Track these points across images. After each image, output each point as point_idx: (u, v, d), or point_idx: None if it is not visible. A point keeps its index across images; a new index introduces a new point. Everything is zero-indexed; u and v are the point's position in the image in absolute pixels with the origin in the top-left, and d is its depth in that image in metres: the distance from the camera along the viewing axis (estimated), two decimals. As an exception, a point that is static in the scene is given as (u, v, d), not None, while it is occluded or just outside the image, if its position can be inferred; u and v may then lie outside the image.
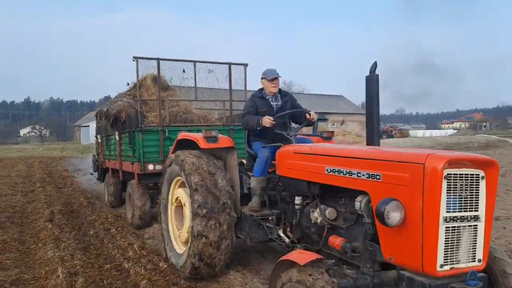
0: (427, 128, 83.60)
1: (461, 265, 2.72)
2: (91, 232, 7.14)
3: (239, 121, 8.02)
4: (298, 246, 4.02)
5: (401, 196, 2.77)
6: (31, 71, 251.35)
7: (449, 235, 2.67)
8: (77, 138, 68.30)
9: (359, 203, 3.15)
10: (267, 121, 4.62)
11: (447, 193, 2.64)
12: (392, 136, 50.13)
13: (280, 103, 5.10)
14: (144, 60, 7.47)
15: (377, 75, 3.76)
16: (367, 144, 3.86)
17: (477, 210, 2.77)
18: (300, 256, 2.86)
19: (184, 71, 8.06)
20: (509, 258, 3.09)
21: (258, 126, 4.68)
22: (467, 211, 2.73)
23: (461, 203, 2.71)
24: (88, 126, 55.90)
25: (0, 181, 14.44)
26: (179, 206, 5.05)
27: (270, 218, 4.47)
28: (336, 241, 3.40)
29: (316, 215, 3.73)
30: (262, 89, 5.13)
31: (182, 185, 4.97)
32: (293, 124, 5.19)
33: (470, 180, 2.73)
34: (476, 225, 2.77)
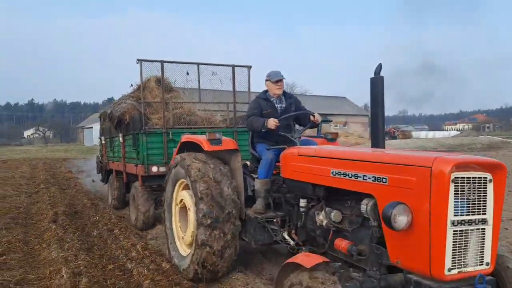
0: (430, 130, 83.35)
1: (469, 269, 2.71)
2: (95, 233, 7.18)
3: (243, 122, 8.04)
4: (303, 249, 4.01)
5: (408, 199, 2.75)
6: (35, 73, 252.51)
7: (457, 239, 2.65)
8: (81, 139, 68.52)
9: (365, 206, 3.13)
10: (272, 123, 4.62)
11: (454, 196, 2.63)
12: (394, 138, 50.05)
13: (284, 105, 5.09)
14: (148, 62, 7.50)
15: (382, 77, 3.74)
16: (372, 146, 3.85)
17: (485, 213, 2.75)
18: (307, 258, 2.86)
19: (187, 73, 8.10)
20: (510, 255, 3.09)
21: (263, 128, 4.67)
22: (474, 214, 2.71)
23: (469, 207, 2.69)
24: (92, 127, 56.07)
25: (4, 183, 14.54)
26: (183, 207, 5.05)
27: (274, 220, 4.45)
28: (342, 244, 3.38)
29: (321, 217, 3.72)
30: (266, 91, 5.13)
31: (186, 187, 4.96)
32: (297, 126, 5.19)
33: (478, 183, 2.72)
34: (484, 228, 2.76)
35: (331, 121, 7.40)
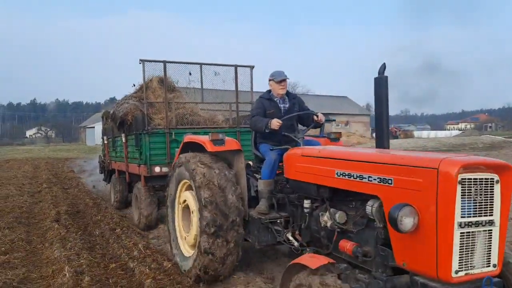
0: (432, 129, 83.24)
1: (476, 271, 2.69)
2: (97, 232, 7.21)
3: (245, 122, 8.03)
4: (307, 250, 3.99)
5: (414, 201, 2.73)
6: (37, 73, 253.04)
7: (464, 241, 2.64)
8: (83, 139, 68.67)
9: (370, 207, 3.11)
10: (275, 123, 4.60)
11: (461, 198, 2.60)
12: (396, 137, 50.00)
13: (288, 105, 5.08)
14: (151, 63, 7.51)
15: (386, 77, 3.71)
16: (377, 147, 3.82)
17: (492, 215, 2.73)
18: (312, 260, 2.84)
19: (190, 73, 8.09)
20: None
21: (267, 128, 4.65)
22: (481, 216, 2.69)
23: (476, 208, 2.67)
24: (94, 127, 56.20)
25: (7, 182, 14.58)
26: (187, 207, 5.02)
27: (278, 221, 4.43)
28: (346, 245, 3.36)
29: (325, 218, 3.71)
30: (269, 91, 5.11)
31: (189, 187, 4.94)
32: (300, 126, 5.17)
33: (485, 184, 2.69)
34: (491, 230, 2.74)
35: (334, 120, 7.35)
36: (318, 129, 5.28)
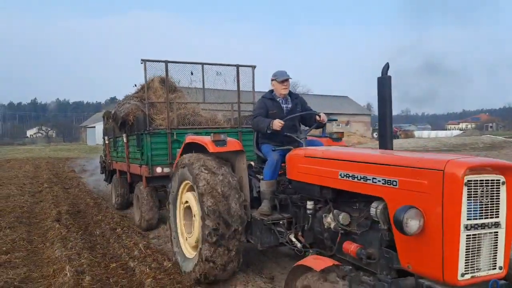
0: (432, 129, 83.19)
1: (482, 273, 2.66)
2: (98, 232, 7.24)
3: (247, 123, 8.02)
4: (311, 251, 3.97)
5: (419, 203, 2.71)
6: (38, 72, 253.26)
7: (470, 243, 2.61)
8: (83, 139, 68.72)
9: (374, 209, 3.08)
10: (277, 124, 4.58)
11: (467, 200, 2.58)
12: (396, 137, 49.97)
13: (290, 105, 5.05)
14: (152, 62, 7.50)
15: (390, 77, 3.69)
16: (380, 147, 3.79)
17: (498, 217, 2.70)
18: (316, 261, 2.81)
19: (192, 73, 8.07)
20: None
21: (268, 129, 4.63)
22: (487, 217, 2.66)
23: (482, 210, 2.65)
24: (94, 127, 56.25)
25: (8, 182, 14.61)
26: (188, 208, 4.98)
27: (281, 222, 4.40)
28: (350, 247, 3.33)
29: (329, 220, 3.68)
30: (272, 91, 5.08)
31: (191, 188, 4.90)
32: (302, 126, 5.14)
33: (491, 186, 2.67)
34: (497, 232, 2.71)
35: (336, 120, 7.36)
36: (320, 129, 5.25)
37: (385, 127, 3.74)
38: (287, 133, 4.70)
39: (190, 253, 4.97)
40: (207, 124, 8.00)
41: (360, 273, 3.00)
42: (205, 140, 4.78)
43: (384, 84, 3.68)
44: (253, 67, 8.16)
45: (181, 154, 5.23)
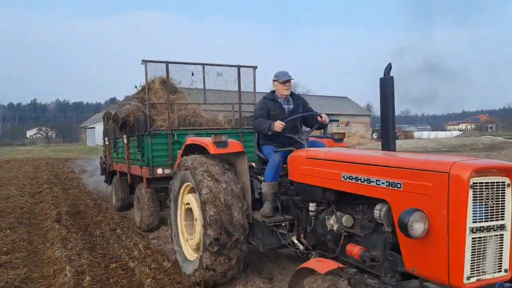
0: (432, 130, 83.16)
1: (488, 276, 2.64)
2: (98, 233, 7.25)
3: (248, 123, 8.00)
4: (313, 253, 3.94)
5: (424, 206, 2.69)
6: (38, 73, 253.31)
7: (475, 246, 2.59)
8: (83, 139, 68.70)
9: (378, 211, 3.06)
10: (278, 125, 4.55)
11: (473, 202, 2.56)
12: (396, 138, 49.84)
13: (292, 106, 5.02)
14: (153, 63, 7.49)
15: (392, 77, 3.65)
16: (383, 148, 3.77)
17: (503, 219, 2.68)
18: (321, 264, 2.79)
19: (193, 74, 8.05)
20: None
21: (270, 131, 4.60)
22: (493, 220, 2.64)
23: (487, 212, 2.63)
24: (94, 127, 56.21)
25: (8, 183, 14.60)
26: (189, 210, 4.95)
27: (283, 224, 4.36)
28: (354, 249, 3.31)
29: (332, 222, 3.65)
30: (273, 92, 5.04)
31: (193, 190, 4.86)
32: (304, 127, 5.12)
33: (496, 188, 2.65)
34: (502, 234, 2.69)
35: (337, 120, 7.32)
36: (321, 130, 5.23)
37: (388, 128, 3.72)
38: (288, 134, 4.67)
39: (190, 255, 4.95)
40: (208, 125, 7.97)
41: (364, 276, 2.97)
42: (206, 141, 4.74)
43: (386, 84, 3.66)
44: (254, 67, 8.13)
45: (182, 156, 5.20)
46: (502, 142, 29.33)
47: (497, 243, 2.69)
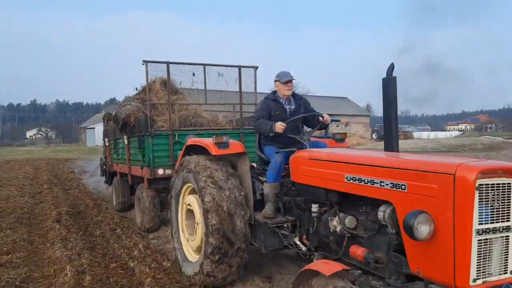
0: (432, 130, 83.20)
1: (494, 278, 2.63)
2: (98, 233, 7.26)
3: (249, 124, 7.98)
4: (316, 255, 3.93)
5: (429, 207, 2.66)
6: (37, 73, 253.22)
7: (481, 248, 2.58)
8: (83, 140, 68.67)
9: (382, 213, 3.03)
10: (279, 127, 4.52)
11: (479, 204, 2.54)
12: (396, 138, 49.73)
13: (293, 106, 4.99)
14: (154, 63, 7.47)
15: (395, 77, 3.64)
16: (385, 149, 3.75)
17: (509, 220, 2.66)
18: (326, 266, 2.76)
19: (193, 74, 8.04)
20: None
21: (271, 132, 4.57)
22: (499, 222, 2.63)
23: (493, 214, 2.61)
24: (94, 128, 56.21)
25: (8, 183, 14.61)
26: (191, 211, 4.92)
27: (285, 225, 4.34)
28: (357, 251, 3.29)
29: (335, 223, 3.63)
30: (275, 92, 5.02)
31: (194, 191, 4.84)
32: (305, 128, 5.09)
33: (502, 189, 2.63)
34: (508, 236, 2.68)
35: (339, 120, 7.28)
36: (322, 130, 5.20)
37: (391, 129, 3.70)
38: (290, 134, 4.66)
39: (191, 255, 4.94)
40: (209, 125, 7.96)
41: (369, 278, 2.94)
42: (207, 142, 4.70)
43: (389, 84, 3.64)
44: (255, 68, 8.11)
45: (182, 157, 5.16)
46: (501, 142, 29.36)
47: (503, 245, 2.67)
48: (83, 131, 71.91)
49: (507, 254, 2.70)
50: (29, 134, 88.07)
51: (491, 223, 2.61)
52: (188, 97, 8.63)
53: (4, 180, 15.67)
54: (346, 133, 5.65)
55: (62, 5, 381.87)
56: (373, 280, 2.94)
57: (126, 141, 8.38)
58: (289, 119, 4.74)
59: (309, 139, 4.65)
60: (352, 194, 3.45)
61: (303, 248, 4.10)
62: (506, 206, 2.67)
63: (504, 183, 2.65)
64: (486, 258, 2.61)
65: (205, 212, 4.27)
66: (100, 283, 4.78)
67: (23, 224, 7.98)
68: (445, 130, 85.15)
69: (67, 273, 4.84)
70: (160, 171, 7.22)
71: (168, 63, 7.49)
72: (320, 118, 4.83)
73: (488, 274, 2.62)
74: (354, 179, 3.35)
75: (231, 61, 8.34)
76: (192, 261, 4.83)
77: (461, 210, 2.54)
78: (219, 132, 7.57)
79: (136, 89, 8.94)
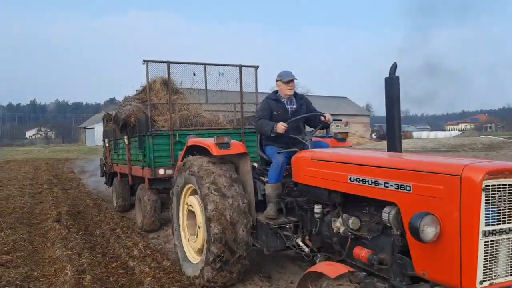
0: (432, 130, 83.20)
1: (500, 280, 2.60)
2: (98, 232, 7.27)
3: (250, 123, 7.95)
4: (319, 256, 3.90)
5: (435, 209, 2.64)
6: (37, 73, 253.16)
7: (488, 250, 2.55)
8: (83, 140, 68.66)
9: (387, 214, 3.00)
10: (281, 127, 4.49)
11: (485, 205, 2.51)
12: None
13: (295, 106, 4.96)
14: (154, 63, 7.45)
15: (398, 77, 3.60)
16: (388, 149, 3.71)
17: None
18: (331, 268, 2.73)
19: (194, 73, 8.02)
20: None
21: (272, 133, 4.55)
22: (505, 223, 2.60)
23: (499, 215, 2.58)
24: (94, 128, 56.19)
25: (8, 183, 14.60)
26: (192, 211, 4.87)
27: (287, 226, 4.30)
28: (361, 252, 3.26)
29: (338, 224, 3.59)
30: (276, 92, 4.98)
31: (194, 192, 4.80)
32: (307, 128, 5.06)
33: (508, 190, 2.61)
34: None
35: (340, 120, 7.29)
36: (324, 130, 5.18)
37: (394, 128, 3.67)
38: (292, 135, 4.63)
39: (192, 256, 4.91)
40: (209, 125, 7.94)
41: (374, 280, 2.91)
42: (208, 143, 4.65)
43: (392, 84, 3.61)
44: (256, 67, 8.09)
45: (183, 157, 5.12)
46: (501, 142, 29.40)
47: (509, 246, 2.65)
48: (83, 131, 71.90)
49: None
50: (28, 134, 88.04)
51: (497, 224, 2.58)
52: (188, 97, 8.60)
53: (4, 180, 15.66)
54: (347, 132, 5.62)
55: (62, 5, 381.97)
56: (378, 282, 2.91)
57: (126, 141, 8.35)
58: (290, 118, 4.71)
59: (311, 139, 4.62)
60: (355, 195, 3.42)
61: (306, 249, 4.07)
62: None
63: (511, 184, 2.63)
64: (492, 259, 2.58)
65: (208, 220, 4.23)
66: (100, 282, 4.79)
67: (23, 224, 7.98)
68: (445, 130, 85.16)
69: (67, 273, 4.86)
70: (161, 171, 7.18)
71: (168, 62, 7.45)
72: (322, 118, 4.80)
73: (494, 276, 2.60)
74: (358, 180, 3.32)
75: (231, 61, 8.28)
76: (193, 262, 4.82)
77: (468, 212, 2.51)
78: (220, 132, 7.54)
79: (136, 91, 8.89)
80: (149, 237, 7.20)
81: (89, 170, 18.74)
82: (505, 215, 2.62)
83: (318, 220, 3.95)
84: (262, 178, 4.92)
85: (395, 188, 2.96)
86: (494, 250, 2.59)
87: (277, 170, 4.51)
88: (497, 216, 2.58)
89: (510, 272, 2.66)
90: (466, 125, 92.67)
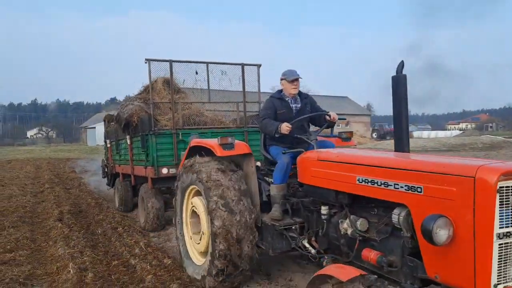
0: (433, 129, 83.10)
1: None
2: (99, 231, 7.29)
3: (253, 122, 7.92)
4: (326, 258, 3.85)
5: (447, 211, 2.58)
6: (38, 73, 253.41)
7: (502, 252, 2.49)
8: (84, 139, 68.73)
9: (397, 216, 2.95)
10: (285, 128, 4.44)
11: (499, 207, 2.46)
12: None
13: (299, 105, 4.90)
14: (156, 62, 7.40)
15: (405, 75, 3.54)
16: (396, 149, 3.66)
17: None
18: (341, 271, 2.67)
19: (196, 72, 7.97)
20: None
21: (277, 133, 4.49)
22: None
23: None
24: (95, 127, 56.26)
25: (10, 182, 14.65)
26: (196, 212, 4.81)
27: (293, 227, 4.23)
28: (370, 254, 3.20)
29: (345, 226, 3.53)
30: (281, 91, 4.93)
31: (197, 193, 4.76)
32: (312, 127, 5.01)
33: None
34: None
35: (344, 119, 7.26)
36: (328, 129, 5.11)
37: (401, 128, 3.61)
38: (296, 134, 4.58)
39: (194, 256, 4.88)
40: (212, 124, 7.90)
41: (385, 283, 2.85)
42: (212, 143, 4.58)
43: (399, 82, 3.55)
44: (259, 65, 8.05)
45: (186, 157, 5.04)
46: (501, 142, 29.39)
47: None
48: (84, 130, 71.98)
49: None
50: (30, 133, 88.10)
51: (511, 226, 2.54)
52: (191, 96, 8.56)
53: (6, 179, 15.71)
54: (352, 131, 5.56)
55: (63, 5, 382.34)
56: (389, 285, 2.83)
57: (128, 141, 8.31)
58: (295, 117, 4.66)
59: (316, 139, 4.56)
60: (363, 196, 3.37)
61: (312, 251, 4.01)
62: None
63: None
64: (507, 262, 2.53)
65: (213, 235, 4.17)
66: (102, 280, 4.82)
67: (25, 223, 8.02)
68: (446, 130, 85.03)
69: (69, 270, 4.90)
70: (164, 170, 7.13)
71: (171, 61, 7.41)
72: (327, 117, 4.75)
73: (509, 279, 2.54)
74: (367, 181, 3.26)
75: (232, 61, 8.23)
76: (195, 262, 4.79)
77: (482, 214, 2.46)
78: (222, 131, 7.50)
79: (139, 90, 8.87)
80: (150, 235, 7.21)
81: (90, 170, 18.78)
82: None
83: (324, 221, 3.89)
84: (267, 179, 4.87)
85: (405, 190, 2.90)
86: (509, 252, 2.54)
87: (282, 171, 4.45)
88: (511, 218, 2.53)
89: None
90: (467, 125, 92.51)
